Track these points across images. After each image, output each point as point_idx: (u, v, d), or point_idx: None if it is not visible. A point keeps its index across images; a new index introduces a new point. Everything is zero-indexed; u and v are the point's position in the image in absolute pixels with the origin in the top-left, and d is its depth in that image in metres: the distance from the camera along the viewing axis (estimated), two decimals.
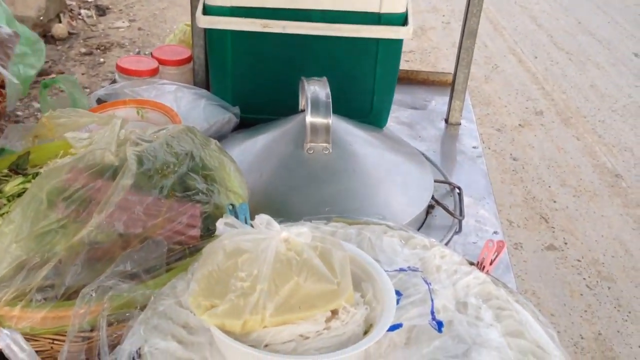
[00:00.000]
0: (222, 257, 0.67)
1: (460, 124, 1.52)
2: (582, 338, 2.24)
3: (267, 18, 1.25)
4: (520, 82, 4.04)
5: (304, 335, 0.65)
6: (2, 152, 1.09)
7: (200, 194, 0.87)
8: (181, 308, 0.72)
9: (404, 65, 3.29)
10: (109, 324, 0.69)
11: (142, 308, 0.71)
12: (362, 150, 1.15)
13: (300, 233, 0.68)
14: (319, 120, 1.08)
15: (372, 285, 0.73)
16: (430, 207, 1.18)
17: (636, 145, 3.44)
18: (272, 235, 0.68)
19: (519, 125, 3.57)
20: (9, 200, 0.92)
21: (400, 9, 1.26)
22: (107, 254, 0.76)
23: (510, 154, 3.29)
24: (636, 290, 2.46)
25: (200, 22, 1.27)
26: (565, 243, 2.68)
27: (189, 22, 1.50)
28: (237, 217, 0.80)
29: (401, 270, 0.80)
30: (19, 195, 0.91)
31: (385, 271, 0.75)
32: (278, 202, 1.06)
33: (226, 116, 1.32)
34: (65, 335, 0.70)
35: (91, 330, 0.71)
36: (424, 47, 4.38)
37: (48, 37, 4.07)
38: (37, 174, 0.95)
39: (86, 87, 3.48)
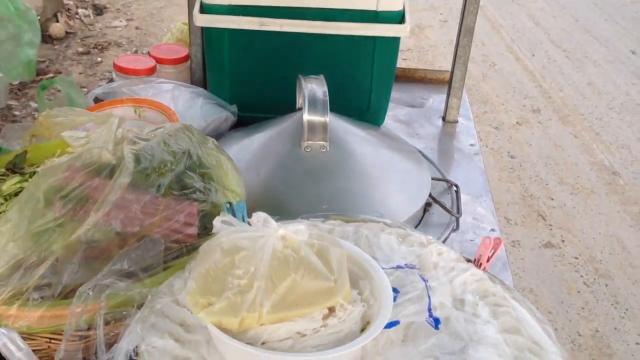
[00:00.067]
0: (219, 255, 0.67)
1: (457, 122, 1.52)
2: (579, 335, 2.24)
3: (264, 16, 1.25)
4: (518, 80, 4.05)
5: (301, 332, 0.65)
6: (0, 152, 1.09)
7: (197, 192, 0.87)
8: (178, 306, 0.72)
9: (401, 64, 3.29)
10: (106, 323, 0.69)
11: (140, 306, 0.71)
12: (360, 148, 1.15)
13: (298, 230, 0.68)
14: (316, 118, 1.08)
15: (369, 282, 0.73)
16: (427, 205, 1.18)
17: (633, 143, 3.45)
18: (269, 232, 0.68)
19: (517, 123, 3.58)
20: (6, 200, 0.91)
21: (397, 7, 1.26)
22: (104, 253, 0.76)
23: (508, 152, 3.30)
24: (633, 288, 2.46)
25: (198, 21, 1.27)
26: (563, 241, 2.69)
27: (187, 21, 1.50)
28: (234, 215, 0.80)
29: (398, 267, 0.80)
30: (16, 194, 0.91)
31: (383, 268, 0.75)
32: (275, 200, 1.06)
33: (223, 115, 1.32)
34: (62, 334, 0.70)
35: (88, 329, 0.71)
36: (422, 45, 4.38)
37: (45, 37, 4.06)
38: (34, 173, 0.94)
39: (83, 87, 3.47)
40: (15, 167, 0.99)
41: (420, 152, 1.31)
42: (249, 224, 0.72)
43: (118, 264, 0.73)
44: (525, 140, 3.42)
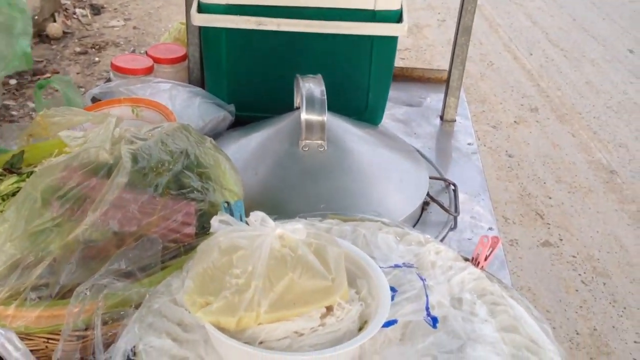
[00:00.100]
0: (216, 254, 0.67)
1: (455, 121, 1.52)
2: (577, 334, 2.25)
3: (261, 16, 1.25)
4: (516, 79, 4.05)
5: (298, 331, 0.65)
6: None
7: (195, 191, 0.87)
8: (176, 306, 0.72)
9: (399, 63, 3.29)
10: (104, 323, 0.69)
11: (137, 306, 0.71)
12: (357, 148, 1.15)
13: (295, 229, 0.68)
14: (314, 117, 1.08)
15: (367, 281, 0.73)
16: (425, 204, 1.18)
17: (631, 142, 3.45)
18: (267, 232, 0.68)
19: (515, 122, 3.58)
20: (3, 200, 0.91)
21: (395, 6, 1.26)
22: (101, 253, 0.76)
23: (506, 151, 3.30)
24: (631, 286, 2.47)
25: (195, 20, 1.27)
26: (561, 239, 2.69)
27: (184, 21, 1.50)
28: (232, 214, 0.80)
29: (396, 266, 0.80)
30: (14, 194, 0.90)
31: (380, 267, 0.75)
32: (273, 200, 1.06)
33: (221, 114, 1.32)
34: (60, 334, 0.70)
35: (86, 329, 0.71)
36: (420, 44, 4.38)
37: (43, 37, 4.06)
38: (31, 172, 0.94)
39: (81, 87, 3.47)
40: (12, 167, 0.99)
41: (418, 151, 1.31)
42: (247, 223, 0.72)
43: (115, 263, 0.73)
44: (523, 139, 3.42)
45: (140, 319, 0.69)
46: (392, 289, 0.75)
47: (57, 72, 3.66)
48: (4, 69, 1.05)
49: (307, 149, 1.09)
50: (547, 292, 2.41)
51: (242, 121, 1.32)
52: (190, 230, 0.84)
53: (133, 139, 0.87)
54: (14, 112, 3.31)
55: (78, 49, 4.00)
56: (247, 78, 1.35)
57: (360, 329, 0.69)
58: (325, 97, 1.08)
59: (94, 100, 1.31)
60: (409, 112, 1.55)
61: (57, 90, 1.27)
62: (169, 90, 1.32)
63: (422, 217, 1.16)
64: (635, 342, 2.23)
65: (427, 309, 0.74)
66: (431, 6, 5.09)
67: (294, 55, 1.32)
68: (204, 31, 1.32)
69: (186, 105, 1.31)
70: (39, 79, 3.45)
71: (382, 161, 1.17)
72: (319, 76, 1.13)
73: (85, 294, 0.69)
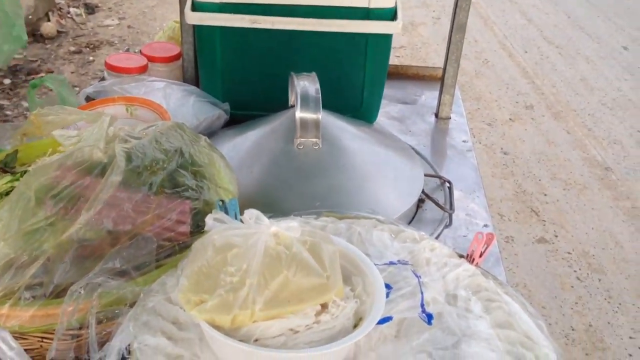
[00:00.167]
0: (211, 253, 0.67)
1: (450, 118, 1.52)
2: (572, 330, 2.25)
3: (256, 14, 1.25)
4: (511, 77, 4.06)
5: (293, 329, 0.65)
6: None
7: (189, 190, 0.87)
8: (171, 304, 0.72)
9: (394, 61, 3.29)
10: (98, 322, 0.69)
11: (132, 305, 0.71)
12: (352, 145, 1.15)
13: (290, 227, 0.68)
14: (309, 115, 1.08)
15: (362, 278, 0.73)
16: (420, 201, 1.18)
17: (625, 138, 3.46)
18: (262, 229, 0.68)
19: (510, 119, 3.59)
20: None
21: (389, 4, 1.26)
22: (96, 252, 0.76)
23: (501, 148, 3.31)
24: (626, 282, 2.48)
25: (189, 19, 1.27)
26: (556, 236, 2.70)
27: (179, 19, 1.50)
28: (227, 213, 0.80)
29: (391, 263, 0.80)
30: (7, 193, 0.90)
31: (375, 265, 0.75)
32: (268, 198, 1.06)
33: (216, 113, 1.32)
34: (54, 334, 0.70)
35: (80, 328, 0.71)
36: (415, 42, 4.39)
37: (37, 36, 4.04)
38: (25, 172, 0.94)
39: (76, 86, 3.46)
40: (6, 167, 0.99)
41: (413, 148, 1.31)
42: (242, 221, 0.72)
43: (110, 262, 0.73)
44: (519, 136, 3.43)
45: (135, 317, 0.69)
46: (387, 286, 0.75)
47: (52, 72, 3.65)
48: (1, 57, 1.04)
49: (302, 147, 1.09)
50: (542, 289, 2.42)
51: (237, 120, 1.32)
52: (185, 228, 0.84)
53: (127, 137, 0.87)
54: (8, 112, 3.30)
55: (72, 48, 3.99)
56: (241, 76, 1.35)
57: (356, 326, 0.69)
58: (320, 95, 1.08)
59: (88, 99, 1.30)
60: (403, 109, 1.55)
61: (51, 90, 1.27)
62: (163, 89, 1.32)
63: (418, 215, 1.17)
64: (630, 337, 2.24)
65: (422, 305, 0.74)
66: (426, 4, 5.09)
67: (289, 54, 1.32)
68: (198, 30, 1.31)
69: (181, 104, 1.30)
70: (33, 78, 3.44)
71: (377, 159, 1.17)
72: (314, 74, 1.13)
73: (80, 292, 0.69)
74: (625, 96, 3.90)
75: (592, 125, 3.58)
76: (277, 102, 1.22)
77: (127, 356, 0.65)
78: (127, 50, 3.93)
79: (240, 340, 0.64)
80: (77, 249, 0.75)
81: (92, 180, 0.79)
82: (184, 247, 0.81)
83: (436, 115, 1.53)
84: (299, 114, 1.07)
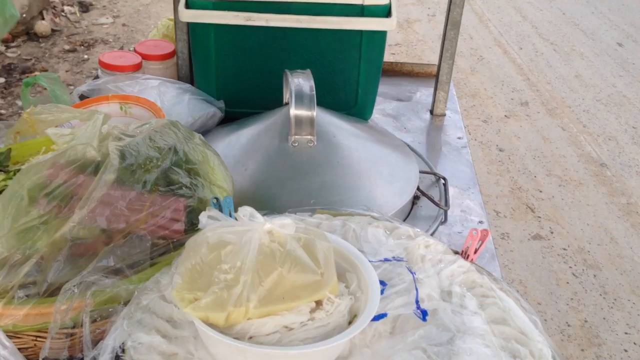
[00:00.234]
0: (205, 250, 0.67)
1: (445, 115, 1.52)
2: (568, 325, 2.26)
3: (250, 11, 1.24)
4: (506, 74, 4.06)
5: (288, 326, 0.65)
6: None
7: (184, 188, 0.87)
8: (165, 302, 0.71)
9: (390, 58, 3.29)
10: (92, 320, 0.68)
11: (126, 303, 0.71)
12: (347, 142, 1.15)
13: (284, 224, 0.68)
14: (303, 112, 1.08)
15: (356, 275, 0.73)
16: (415, 198, 1.18)
17: (620, 134, 3.47)
18: (256, 227, 0.68)
19: (505, 116, 3.59)
20: None
21: (383, 1, 1.26)
22: (90, 250, 0.76)
23: (497, 145, 3.31)
24: (621, 278, 2.49)
25: (183, 16, 1.26)
26: (552, 232, 2.71)
27: (173, 17, 1.49)
28: (221, 210, 0.79)
29: (386, 260, 0.80)
30: (0, 192, 0.90)
31: (370, 261, 0.75)
32: (263, 195, 1.06)
33: (211, 110, 1.31)
34: (48, 332, 0.69)
35: (73, 327, 0.70)
36: (410, 39, 4.38)
37: (31, 35, 4.03)
38: (18, 170, 0.94)
39: (70, 84, 3.45)
40: None
41: (408, 145, 1.31)
42: (236, 219, 0.71)
43: (104, 260, 0.73)
44: (514, 133, 3.43)
45: (129, 315, 0.68)
46: (382, 283, 0.75)
47: (46, 70, 3.64)
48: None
49: (296, 145, 1.09)
50: (538, 285, 2.42)
51: (232, 117, 1.32)
52: (180, 226, 0.83)
53: (121, 135, 0.87)
54: (2, 111, 3.28)
55: (67, 47, 3.97)
56: (236, 74, 1.35)
57: (350, 322, 0.69)
58: (315, 92, 1.08)
59: (82, 97, 1.30)
60: (398, 106, 1.55)
61: (45, 88, 1.26)
62: (157, 86, 1.32)
63: (413, 211, 1.17)
64: (625, 333, 2.25)
65: (417, 302, 0.74)
66: (421, 1, 5.09)
67: (283, 51, 1.31)
68: (192, 27, 1.31)
69: (175, 102, 1.30)
70: (27, 77, 3.43)
71: (372, 156, 1.17)
72: (308, 71, 1.13)
73: (73, 291, 0.68)
74: (620, 92, 3.90)
75: (587, 121, 3.58)
76: (272, 100, 1.22)
77: (121, 354, 0.65)
78: (122, 48, 3.92)
79: (235, 338, 0.64)
80: (71, 248, 0.75)
81: (86, 179, 0.79)
82: (179, 245, 0.81)
83: (431, 112, 1.53)
84: (294, 111, 1.07)
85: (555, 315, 2.30)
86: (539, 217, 2.80)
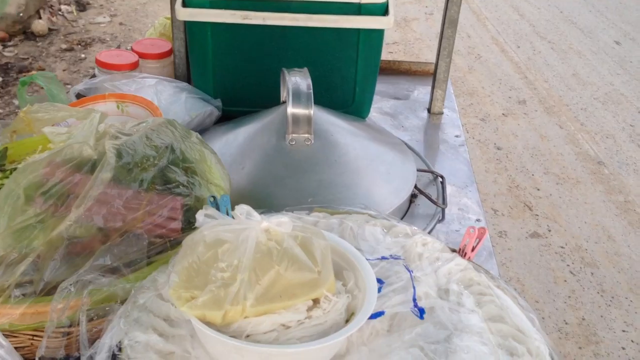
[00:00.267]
0: (202, 248, 0.66)
1: (442, 113, 1.52)
2: (566, 323, 2.26)
3: (247, 10, 1.24)
4: (504, 72, 4.06)
5: (285, 324, 0.65)
6: None
7: (181, 186, 0.87)
8: (162, 301, 0.71)
9: (387, 57, 3.29)
10: (89, 319, 0.68)
11: (123, 302, 0.71)
12: (345, 141, 1.15)
13: (281, 223, 0.68)
14: (301, 111, 1.08)
15: (353, 273, 0.73)
16: (413, 196, 1.18)
17: (618, 133, 3.48)
18: (253, 225, 0.68)
19: (503, 114, 3.59)
20: None
21: None
22: (86, 249, 0.75)
23: (494, 144, 3.31)
24: (619, 276, 2.49)
25: (180, 15, 1.26)
26: (549, 230, 2.71)
27: (169, 15, 1.49)
28: (218, 209, 0.79)
29: (383, 258, 0.80)
30: None
31: (367, 260, 0.75)
32: (261, 194, 1.06)
33: (208, 109, 1.31)
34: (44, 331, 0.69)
35: (70, 326, 0.70)
36: (408, 38, 4.38)
37: (28, 34, 4.02)
38: (15, 169, 0.93)
39: (67, 84, 3.44)
40: None
41: (405, 143, 1.31)
42: (233, 217, 0.71)
43: (100, 259, 0.73)
44: (511, 131, 3.44)
45: (126, 314, 0.68)
46: (379, 281, 0.75)
47: (43, 69, 3.63)
48: None
49: (293, 143, 1.09)
50: (536, 283, 2.43)
51: (229, 116, 1.32)
52: (177, 225, 0.83)
53: (117, 134, 0.86)
54: None
55: (64, 46, 3.97)
56: (233, 72, 1.34)
57: (348, 320, 0.69)
58: (312, 90, 1.08)
59: (79, 96, 1.30)
60: (396, 105, 1.55)
61: (42, 88, 1.26)
62: (154, 85, 1.31)
63: (410, 210, 1.17)
64: (623, 331, 2.25)
65: (414, 300, 0.74)
66: (419, 0, 5.09)
67: (280, 49, 1.31)
68: (189, 26, 1.31)
69: (172, 101, 1.30)
70: (24, 76, 3.42)
71: (369, 154, 1.16)
72: (305, 70, 1.13)
73: (70, 290, 0.68)
74: (617, 90, 3.91)
75: (585, 119, 3.59)
76: (269, 98, 1.22)
77: (117, 353, 0.65)
78: (118, 46, 3.92)
79: (232, 336, 0.63)
80: (68, 246, 0.75)
81: (82, 177, 0.79)
82: (176, 244, 0.81)
83: (429, 110, 1.53)
84: (291, 109, 1.07)
85: (552, 313, 2.30)
86: (537, 215, 2.80)
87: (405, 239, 0.85)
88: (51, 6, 4.34)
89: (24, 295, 0.72)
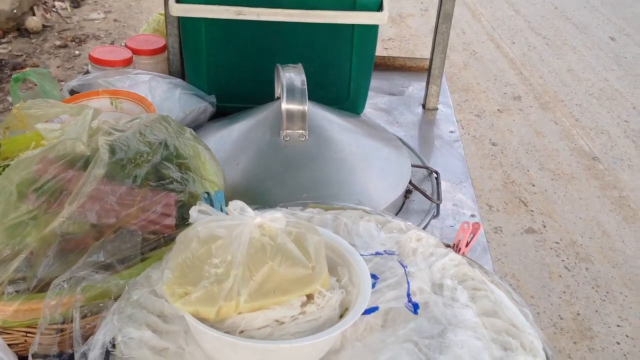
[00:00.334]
0: (195, 244, 0.66)
1: (437, 109, 1.52)
2: (561, 318, 2.27)
3: (241, 5, 1.24)
4: (499, 68, 4.07)
5: (279, 320, 0.65)
6: None
7: (174, 182, 0.86)
8: (156, 297, 0.71)
9: (383, 53, 3.28)
10: (83, 316, 0.68)
11: (117, 299, 0.71)
12: (339, 137, 1.15)
13: (275, 218, 0.68)
14: (295, 107, 1.07)
15: (347, 269, 0.73)
16: (408, 192, 1.18)
17: (612, 128, 3.49)
18: (246, 220, 0.67)
19: (498, 110, 3.60)
20: None
21: None
22: (80, 245, 0.75)
23: (490, 139, 3.32)
24: (613, 271, 2.50)
25: (174, 11, 1.26)
26: (544, 226, 2.72)
27: (163, 12, 1.48)
28: (212, 205, 0.79)
29: (377, 254, 0.80)
30: None
31: (362, 255, 0.75)
32: (255, 190, 1.06)
33: (202, 105, 1.31)
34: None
35: (63, 322, 0.70)
36: (403, 34, 4.38)
37: (22, 30, 4.00)
38: (7, 166, 0.93)
39: (62, 80, 3.43)
40: None
41: (400, 139, 1.31)
42: (227, 213, 0.71)
43: (94, 255, 0.72)
44: (507, 127, 3.44)
45: (120, 310, 0.68)
46: (374, 276, 0.75)
47: (37, 66, 3.62)
48: None
49: (288, 139, 1.09)
50: (531, 278, 2.43)
51: (224, 112, 1.31)
52: (171, 221, 0.83)
53: (111, 130, 0.86)
54: None
55: (58, 43, 3.95)
56: (227, 69, 1.34)
57: (342, 316, 0.69)
58: (306, 86, 1.07)
59: (72, 92, 1.29)
60: (391, 100, 1.55)
61: (35, 84, 1.25)
62: (148, 81, 1.31)
63: (405, 205, 1.17)
64: (618, 325, 2.26)
65: (408, 295, 0.74)
66: None
67: (274, 45, 1.31)
68: (183, 22, 1.30)
69: (166, 97, 1.29)
70: (18, 73, 3.40)
71: (364, 150, 1.16)
72: (300, 65, 1.12)
73: (63, 286, 0.68)
74: (612, 86, 3.92)
75: (580, 115, 3.59)
76: (263, 94, 1.22)
77: (111, 350, 0.65)
78: (112, 43, 3.90)
79: (226, 332, 0.63)
80: (61, 243, 0.74)
81: (75, 174, 0.79)
82: (170, 240, 0.81)
83: (423, 106, 1.53)
84: (285, 105, 1.07)
85: (547, 309, 2.31)
86: (532, 211, 2.81)
87: (399, 234, 0.85)
88: (45, 3, 4.31)
89: (17, 292, 0.72)
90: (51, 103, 1.02)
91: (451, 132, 1.44)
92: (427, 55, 1.51)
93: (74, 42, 3.96)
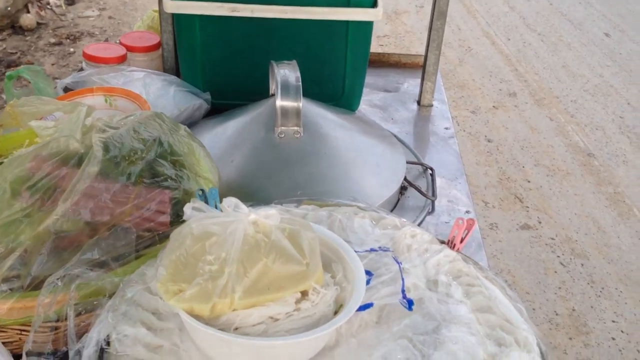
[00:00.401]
0: (189, 241, 0.66)
1: (432, 106, 1.52)
2: (556, 314, 2.28)
3: (235, 2, 1.23)
4: (494, 64, 4.07)
5: (274, 317, 0.65)
6: None
7: (169, 180, 0.86)
8: (150, 294, 0.71)
9: (378, 49, 3.28)
10: (77, 314, 0.68)
11: (111, 296, 0.70)
12: (334, 133, 1.15)
13: (269, 215, 0.68)
14: (290, 103, 1.07)
15: (342, 265, 0.73)
16: (403, 189, 1.18)
17: (607, 124, 3.49)
18: (240, 217, 0.67)
19: (493, 107, 3.60)
20: None
21: None
22: (74, 243, 0.75)
23: (485, 136, 3.32)
24: (609, 267, 2.51)
25: (168, 7, 1.25)
26: (540, 222, 2.72)
27: (158, 8, 1.48)
28: (207, 202, 0.79)
29: (372, 250, 0.80)
30: None
31: (356, 252, 0.75)
32: (250, 187, 1.06)
33: (197, 102, 1.31)
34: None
35: (57, 320, 0.70)
36: (398, 31, 4.38)
37: (16, 28, 3.98)
38: (1, 163, 0.93)
39: (56, 78, 3.42)
40: None
41: (395, 136, 1.31)
42: (222, 210, 0.71)
43: (88, 253, 0.72)
44: (502, 123, 3.45)
45: (114, 307, 0.68)
46: (368, 273, 0.75)
47: (32, 64, 3.60)
48: None
49: (283, 136, 1.09)
50: (526, 274, 2.44)
51: (218, 109, 1.31)
52: (165, 218, 0.83)
53: (104, 127, 0.86)
54: None
55: (52, 40, 3.93)
56: (222, 65, 1.34)
57: (336, 312, 0.69)
58: (301, 83, 1.07)
59: (67, 90, 1.29)
60: (386, 97, 1.55)
61: (30, 82, 1.25)
62: (142, 78, 1.31)
63: (400, 202, 1.17)
64: (613, 321, 2.27)
65: (403, 291, 0.74)
66: None
67: (269, 42, 1.31)
68: (177, 18, 1.30)
69: (161, 94, 1.29)
70: (12, 70, 3.39)
71: (359, 147, 1.16)
72: (294, 62, 1.12)
73: (57, 284, 0.68)
74: (607, 82, 3.93)
75: (575, 111, 3.60)
76: (258, 91, 1.22)
77: (105, 347, 0.65)
78: (106, 40, 3.89)
79: (220, 329, 0.63)
80: (55, 241, 0.74)
81: (69, 171, 0.79)
82: (164, 237, 0.80)
83: (418, 102, 1.53)
84: (280, 102, 1.07)
85: (543, 304, 2.31)
86: (527, 207, 2.81)
87: (394, 230, 0.85)
88: (39, 0, 4.30)
89: (11, 290, 0.72)
90: (45, 100, 1.02)
91: (446, 128, 1.44)
92: (422, 51, 1.51)
93: (68, 40, 3.95)
